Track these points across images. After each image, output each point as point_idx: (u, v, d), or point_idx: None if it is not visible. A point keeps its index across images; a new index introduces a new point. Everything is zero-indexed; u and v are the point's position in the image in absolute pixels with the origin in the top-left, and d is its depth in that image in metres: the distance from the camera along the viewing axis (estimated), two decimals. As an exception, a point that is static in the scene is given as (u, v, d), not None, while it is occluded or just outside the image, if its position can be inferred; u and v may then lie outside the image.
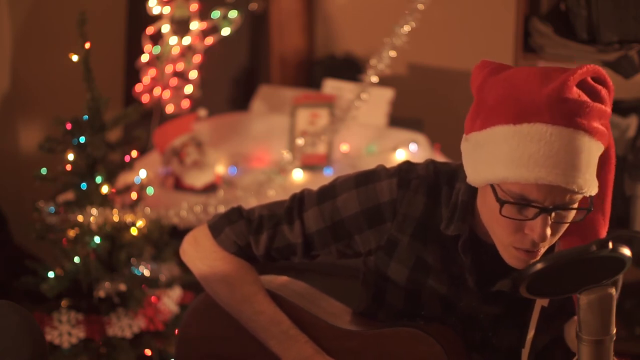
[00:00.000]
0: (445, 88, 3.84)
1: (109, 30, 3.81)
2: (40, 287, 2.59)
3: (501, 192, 1.51)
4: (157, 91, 3.60)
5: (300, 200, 1.77)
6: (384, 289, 1.77)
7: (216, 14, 3.59)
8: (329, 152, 3.37)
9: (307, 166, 3.30)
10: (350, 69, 3.80)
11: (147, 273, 2.69)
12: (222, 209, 2.75)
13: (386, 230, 1.72)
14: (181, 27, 3.58)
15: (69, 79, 2.96)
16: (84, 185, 2.59)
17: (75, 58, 2.51)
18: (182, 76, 3.62)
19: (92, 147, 2.56)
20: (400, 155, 3.37)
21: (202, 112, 3.59)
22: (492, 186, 1.52)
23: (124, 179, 2.81)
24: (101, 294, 2.60)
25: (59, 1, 3.75)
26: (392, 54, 2.87)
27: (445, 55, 3.87)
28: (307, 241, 1.76)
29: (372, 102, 3.35)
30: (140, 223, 2.67)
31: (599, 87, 1.52)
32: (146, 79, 3.58)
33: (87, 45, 2.49)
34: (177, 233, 2.71)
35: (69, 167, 2.59)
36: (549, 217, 1.49)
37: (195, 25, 3.59)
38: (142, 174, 2.94)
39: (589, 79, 1.51)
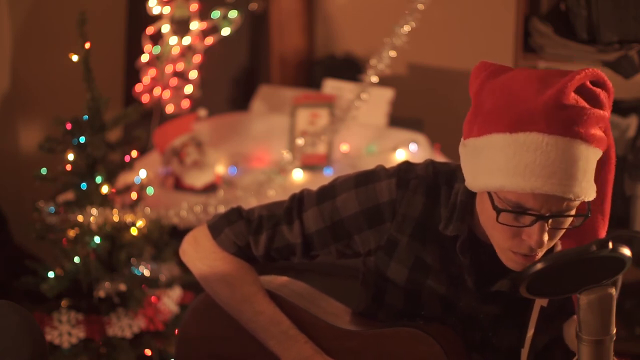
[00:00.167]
0: (445, 88, 3.84)
1: (109, 30, 3.81)
2: (40, 287, 2.59)
3: (498, 200, 1.51)
4: (157, 91, 3.60)
5: (299, 200, 1.77)
6: (383, 289, 1.77)
7: (216, 14, 3.59)
8: (329, 152, 3.37)
9: (307, 166, 3.31)
10: (350, 69, 3.80)
11: (147, 273, 2.69)
12: (222, 209, 2.75)
13: (386, 231, 1.72)
14: (181, 27, 3.58)
15: (69, 79, 2.96)
16: (84, 185, 2.59)
17: (75, 58, 2.51)
18: (182, 76, 3.62)
19: (92, 147, 2.56)
20: (400, 155, 3.37)
21: (202, 112, 3.59)
22: (489, 193, 1.52)
23: (124, 179, 2.81)
24: (101, 294, 2.60)
25: (59, 1, 3.75)
26: (392, 54, 2.87)
27: (445, 55, 3.87)
28: (307, 241, 1.76)
29: (372, 102, 3.35)
30: (140, 223, 2.67)
31: (598, 90, 1.51)
32: (146, 79, 3.58)
33: (87, 45, 2.49)
34: (177, 233, 2.71)
35: (69, 167, 2.59)
36: (546, 224, 1.49)
37: (195, 25, 3.59)
38: (142, 174, 2.94)
39: (588, 83, 1.50)
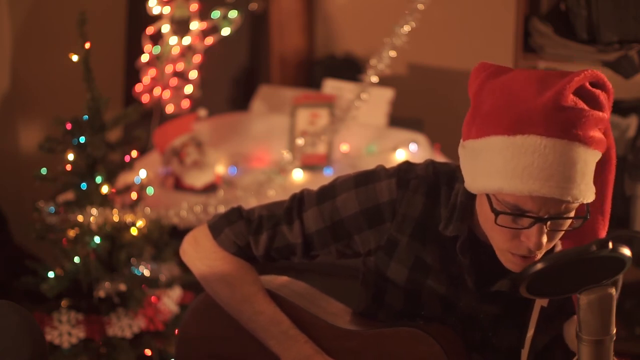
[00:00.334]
0: (445, 88, 3.84)
1: (109, 30, 3.81)
2: (40, 287, 2.59)
3: (496, 202, 1.51)
4: (157, 91, 3.60)
5: (299, 200, 1.77)
6: (383, 289, 1.77)
7: (216, 14, 3.59)
8: (329, 152, 3.37)
9: (307, 166, 3.30)
10: (350, 69, 3.80)
11: (147, 273, 2.69)
12: (222, 209, 2.75)
13: (386, 231, 1.72)
14: (181, 27, 3.58)
15: (69, 79, 2.96)
16: (84, 185, 2.59)
17: (75, 58, 2.51)
18: (182, 76, 3.62)
19: (92, 147, 2.56)
20: (400, 155, 3.37)
21: (202, 112, 3.59)
22: (487, 195, 1.52)
23: (124, 179, 2.81)
24: (101, 294, 2.60)
25: (59, 1, 3.75)
26: (392, 54, 2.87)
27: (445, 55, 3.87)
28: (307, 241, 1.76)
29: (372, 102, 3.35)
30: (140, 223, 2.67)
31: (598, 91, 1.51)
32: (146, 79, 3.58)
33: (87, 45, 2.49)
34: (177, 233, 2.71)
35: (69, 167, 2.59)
36: (545, 226, 1.49)
37: (195, 25, 3.59)
38: (142, 174, 2.94)
39: (587, 85, 1.50)
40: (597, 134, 1.49)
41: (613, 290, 1.38)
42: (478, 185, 1.54)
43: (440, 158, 3.34)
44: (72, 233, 2.61)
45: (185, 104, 3.64)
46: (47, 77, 3.75)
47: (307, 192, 1.78)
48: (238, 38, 3.71)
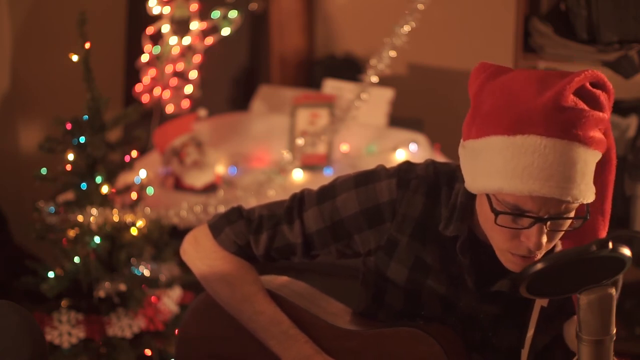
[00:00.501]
0: (445, 88, 3.84)
1: (109, 30, 3.81)
2: (40, 287, 2.59)
3: (496, 202, 1.51)
4: (157, 91, 3.60)
5: (300, 200, 1.77)
6: (383, 289, 1.77)
7: (216, 14, 3.59)
8: (329, 152, 3.37)
9: (307, 166, 3.31)
10: (350, 69, 3.80)
11: (147, 273, 2.69)
12: (222, 209, 2.75)
13: (386, 231, 1.72)
14: (181, 27, 3.58)
15: (69, 79, 2.96)
16: (84, 185, 2.59)
17: (75, 58, 2.51)
18: (182, 76, 3.63)
19: (92, 147, 2.56)
20: (400, 155, 3.37)
21: (202, 112, 3.59)
22: (487, 195, 1.52)
23: (124, 179, 2.81)
24: (101, 294, 2.60)
25: (59, 1, 3.75)
26: (392, 54, 2.87)
27: (445, 55, 3.87)
28: (307, 241, 1.76)
29: (372, 102, 3.35)
30: (140, 223, 2.67)
31: (598, 92, 1.51)
32: (146, 79, 3.58)
33: (87, 45, 2.49)
34: (177, 233, 2.71)
35: (69, 167, 2.59)
36: (545, 226, 1.49)
37: (195, 25, 3.59)
38: (142, 174, 2.95)
39: (587, 85, 1.50)
40: (597, 134, 1.49)
41: (613, 290, 1.38)
42: (478, 185, 1.54)
43: (440, 158, 3.34)
44: (72, 233, 2.61)
45: (185, 104, 3.64)
46: (47, 77, 3.75)
47: (308, 191, 1.78)
48: (238, 38, 3.71)
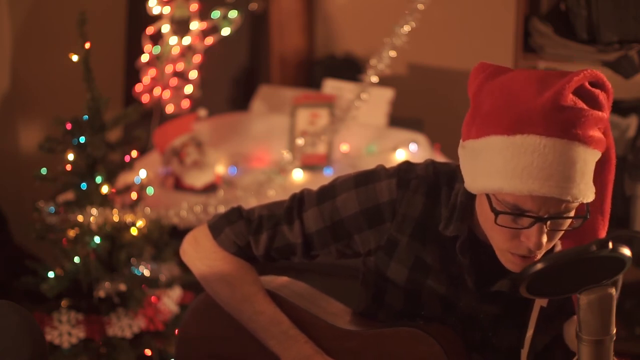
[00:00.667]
0: (445, 88, 3.84)
1: (109, 30, 3.81)
2: (40, 287, 2.59)
3: (496, 202, 1.51)
4: (157, 91, 3.60)
5: (300, 200, 1.77)
6: (383, 289, 1.77)
7: (216, 14, 3.59)
8: (329, 152, 3.37)
9: (307, 166, 3.31)
10: (350, 69, 3.80)
11: (147, 273, 2.69)
12: (222, 209, 2.75)
13: (386, 231, 1.72)
14: (181, 27, 3.58)
15: (69, 79, 2.96)
16: (84, 185, 2.59)
17: (75, 58, 2.51)
18: (182, 76, 3.63)
19: (92, 147, 2.56)
20: (400, 155, 3.37)
21: (202, 112, 3.59)
22: (487, 195, 1.52)
23: (124, 179, 2.81)
24: (101, 294, 2.60)
25: (59, 1, 3.75)
26: (392, 54, 2.87)
27: (445, 55, 3.87)
28: (307, 241, 1.76)
29: (372, 102, 3.35)
30: (140, 223, 2.67)
31: (597, 91, 1.51)
32: (146, 79, 3.58)
33: (87, 45, 2.49)
34: (177, 233, 2.71)
35: (69, 167, 2.59)
36: (545, 226, 1.49)
37: (195, 25, 3.59)
38: (142, 174, 2.95)
39: (587, 84, 1.50)
40: (596, 133, 1.50)
41: (613, 290, 1.38)
42: (478, 185, 1.54)
43: (440, 158, 3.34)
44: (72, 233, 2.61)
45: (185, 104, 3.64)
46: (47, 77, 3.75)
47: (307, 192, 1.78)
48: (238, 38, 3.71)
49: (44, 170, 2.59)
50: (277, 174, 2.96)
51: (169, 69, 3.59)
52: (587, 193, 1.49)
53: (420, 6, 2.81)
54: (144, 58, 3.56)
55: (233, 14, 3.60)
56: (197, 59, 3.63)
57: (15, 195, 3.68)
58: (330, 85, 3.62)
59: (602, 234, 1.59)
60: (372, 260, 1.76)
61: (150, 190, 2.97)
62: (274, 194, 2.91)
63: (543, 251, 1.54)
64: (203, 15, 3.59)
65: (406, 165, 1.73)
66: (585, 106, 1.48)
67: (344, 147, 3.44)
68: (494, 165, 1.49)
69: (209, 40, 3.61)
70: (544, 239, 1.50)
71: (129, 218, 2.65)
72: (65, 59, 2.54)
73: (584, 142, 1.47)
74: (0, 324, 1.73)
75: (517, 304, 1.65)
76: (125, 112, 2.65)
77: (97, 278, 2.60)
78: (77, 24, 2.46)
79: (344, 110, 3.03)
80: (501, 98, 1.50)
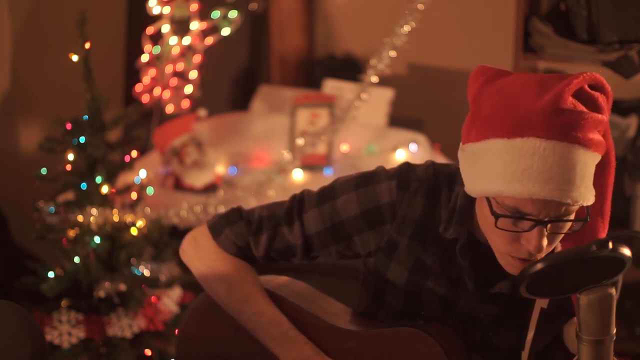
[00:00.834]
0: (445, 88, 3.84)
1: (109, 30, 3.81)
2: (40, 287, 2.59)
3: (496, 205, 1.51)
4: (157, 91, 3.60)
5: (300, 201, 1.77)
6: (383, 290, 1.77)
7: (216, 14, 3.59)
8: (329, 152, 3.37)
9: (307, 166, 3.30)
10: (350, 69, 3.80)
11: (147, 273, 2.69)
12: (222, 209, 2.75)
13: (386, 232, 1.72)
14: (181, 27, 3.58)
15: (69, 79, 2.96)
16: (84, 185, 2.59)
17: (75, 58, 2.51)
18: (182, 76, 3.62)
19: (92, 147, 2.56)
20: (400, 156, 3.37)
21: (202, 112, 3.59)
22: (487, 199, 1.52)
23: (124, 179, 2.81)
24: (101, 294, 2.60)
25: (59, 1, 3.75)
26: (392, 54, 2.87)
27: (445, 55, 3.87)
28: (307, 242, 1.76)
29: (372, 102, 3.35)
30: (140, 223, 2.67)
31: (597, 94, 1.51)
32: (146, 79, 3.58)
33: (87, 45, 2.49)
34: (177, 233, 2.71)
35: (69, 167, 2.59)
36: (545, 229, 1.49)
37: (195, 25, 3.59)
38: (142, 174, 2.95)
39: (586, 87, 1.50)
40: (596, 136, 1.49)
41: (613, 290, 1.38)
42: (478, 189, 1.54)
43: (440, 158, 3.34)
44: (72, 233, 2.61)
45: (185, 104, 3.64)
46: (47, 77, 3.75)
47: (308, 193, 1.78)
48: (238, 38, 3.71)
49: (44, 170, 2.59)
50: (277, 174, 2.96)
51: (169, 69, 3.59)
52: (587, 196, 1.49)
53: (420, 6, 2.81)
54: (144, 58, 3.56)
55: (233, 14, 3.60)
56: (197, 59, 3.62)
57: (15, 195, 3.68)
58: (330, 85, 3.62)
59: (602, 236, 1.59)
60: (372, 261, 1.76)
61: (150, 190, 2.97)
62: (274, 194, 2.91)
63: (543, 254, 1.54)
64: (203, 15, 3.59)
65: (406, 166, 1.73)
66: (584, 109, 1.48)
67: (344, 147, 3.44)
68: (493, 169, 1.49)
69: (209, 40, 3.61)
70: (544, 242, 1.50)
71: (129, 218, 2.65)
72: (65, 59, 2.54)
73: (583, 145, 1.47)
74: (0, 324, 1.73)
75: (517, 304, 1.65)
76: (125, 112, 2.65)
77: (97, 278, 2.60)
78: (77, 24, 2.46)
79: (344, 110, 3.03)
80: (501, 101, 1.50)
